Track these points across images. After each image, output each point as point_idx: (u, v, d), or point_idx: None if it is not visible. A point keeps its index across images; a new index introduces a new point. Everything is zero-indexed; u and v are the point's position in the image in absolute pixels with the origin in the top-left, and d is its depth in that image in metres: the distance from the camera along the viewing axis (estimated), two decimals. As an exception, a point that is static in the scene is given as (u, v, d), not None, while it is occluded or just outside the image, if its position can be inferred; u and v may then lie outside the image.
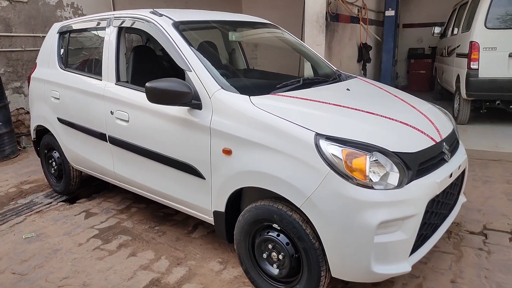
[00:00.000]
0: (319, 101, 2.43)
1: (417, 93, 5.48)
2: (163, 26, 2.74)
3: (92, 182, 4.22)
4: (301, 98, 2.44)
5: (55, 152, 3.95)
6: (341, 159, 1.96)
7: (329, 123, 2.19)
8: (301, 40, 6.20)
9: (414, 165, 2.09)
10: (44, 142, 4.04)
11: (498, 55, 5.71)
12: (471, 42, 5.86)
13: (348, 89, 2.80)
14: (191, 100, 2.42)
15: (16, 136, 5.62)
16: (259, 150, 2.19)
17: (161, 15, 2.84)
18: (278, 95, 2.47)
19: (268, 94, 2.46)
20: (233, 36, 3.26)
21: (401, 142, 2.15)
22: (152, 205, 3.67)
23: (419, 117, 2.53)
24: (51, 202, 3.91)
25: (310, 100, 2.43)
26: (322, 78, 3.11)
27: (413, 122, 2.36)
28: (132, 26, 3.00)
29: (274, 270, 2.30)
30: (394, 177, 2.01)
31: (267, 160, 2.16)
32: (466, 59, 5.97)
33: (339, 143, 2.01)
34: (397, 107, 2.68)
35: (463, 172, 2.68)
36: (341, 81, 3.07)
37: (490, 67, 5.78)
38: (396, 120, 2.32)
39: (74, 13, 6.80)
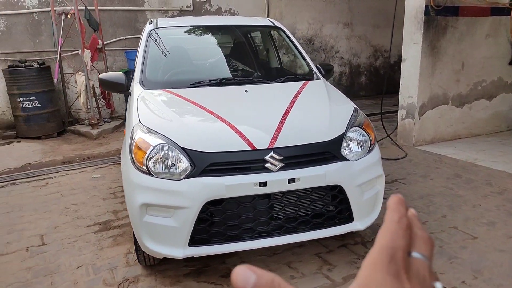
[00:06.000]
0: (188, 100, 2.74)
1: None
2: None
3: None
4: (178, 96, 2.81)
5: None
6: (134, 146, 2.34)
7: (161, 116, 2.55)
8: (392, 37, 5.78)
9: (202, 163, 2.23)
10: None
11: None
12: None
13: (246, 91, 2.88)
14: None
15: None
16: None
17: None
18: (166, 90, 2.89)
19: (161, 89, 2.92)
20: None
21: (200, 141, 2.31)
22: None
23: (265, 123, 2.52)
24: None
25: (183, 98, 2.78)
26: (259, 79, 3.31)
27: (243, 128, 2.38)
28: None
29: None
30: (174, 169, 2.24)
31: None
32: None
33: (148, 133, 2.37)
34: (253, 112, 2.73)
35: (341, 191, 2.42)
36: (277, 83, 3.20)
37: None
38: (225, 122, 2.43)
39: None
